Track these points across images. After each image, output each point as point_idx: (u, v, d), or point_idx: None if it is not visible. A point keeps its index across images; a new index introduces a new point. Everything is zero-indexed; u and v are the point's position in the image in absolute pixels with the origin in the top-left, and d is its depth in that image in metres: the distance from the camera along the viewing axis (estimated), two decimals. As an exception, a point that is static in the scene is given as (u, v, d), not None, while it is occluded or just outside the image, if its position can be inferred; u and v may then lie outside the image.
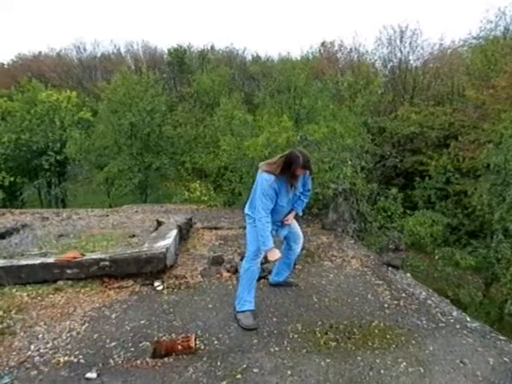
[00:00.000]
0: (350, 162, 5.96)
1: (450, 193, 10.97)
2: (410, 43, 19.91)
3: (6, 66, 35.83)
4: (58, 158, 16.24)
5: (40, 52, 35.93)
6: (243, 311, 2.89)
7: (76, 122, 17.35)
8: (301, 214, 3.19)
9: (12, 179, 15.08)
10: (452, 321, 2.95)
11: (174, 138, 15.63)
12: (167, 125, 15.69)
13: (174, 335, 2.70)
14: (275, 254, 2.74)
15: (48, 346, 2.59)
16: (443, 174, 10.84)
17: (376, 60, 21.12)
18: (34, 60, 34.35)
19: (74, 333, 2.76)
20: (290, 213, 3.09)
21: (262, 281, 3.56)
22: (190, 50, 30.42)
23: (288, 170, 2.65)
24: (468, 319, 2.99)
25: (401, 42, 20.10)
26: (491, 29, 16.20)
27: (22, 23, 60.40)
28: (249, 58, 32.11)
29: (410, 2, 46.04)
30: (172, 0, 63.90)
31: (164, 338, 2.67)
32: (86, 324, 2.89)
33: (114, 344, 2.61)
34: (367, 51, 21.92)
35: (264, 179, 2.70)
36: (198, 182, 9.23)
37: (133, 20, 62.81)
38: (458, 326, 2.87)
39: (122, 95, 14.09)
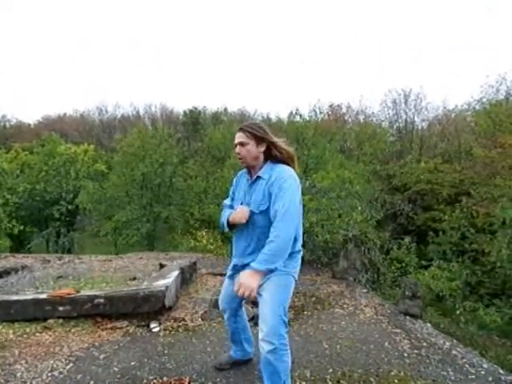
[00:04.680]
0: (359, 208, 5.81)
1: (466, 248, 10.51)
2: (415, 106, 20.82)
3: (32, 126, 38.35)
4: (70, 207, 16.45)
5: (65, 113, 38.67)
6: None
7: (92, 173, 17.88)
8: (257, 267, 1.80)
9: (22, 228, 15.15)
10: (483, 373, 2.57)
11: (184, 189, 15.83)
12: (178, 176, 16.00)
13: (165, 378, 2.39)
14: (241, 213, 1.99)
15: (25, 385, 2.32)
16: (458, 229, 10.50)
17: (383, 121, 21.93)
18: (59, 120, 36.79)
19: (56, 373, 2.49)
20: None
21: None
22: (204, 112, 32.28)
23: None
24: (501, 371, 2.61)
25: (405, 104, 21.04)
26: (493, 92, 16.91)
27: (50, 86, 66.19)
28: (259, 119, 33.81)
29: (413, 69, 49.35)
30: (190, 66, 69.92)
31: (154, 381, 2.37)
32: (71, 364, 2.61)
33: (97, 386, 2.32)
34: (373, 113, 22.85)
35: None
36: (205, 230, 9.07)
37: (153, 84, 68.21)
38: (490, 379, 2.49)
39: (136, 147, 14.62)
